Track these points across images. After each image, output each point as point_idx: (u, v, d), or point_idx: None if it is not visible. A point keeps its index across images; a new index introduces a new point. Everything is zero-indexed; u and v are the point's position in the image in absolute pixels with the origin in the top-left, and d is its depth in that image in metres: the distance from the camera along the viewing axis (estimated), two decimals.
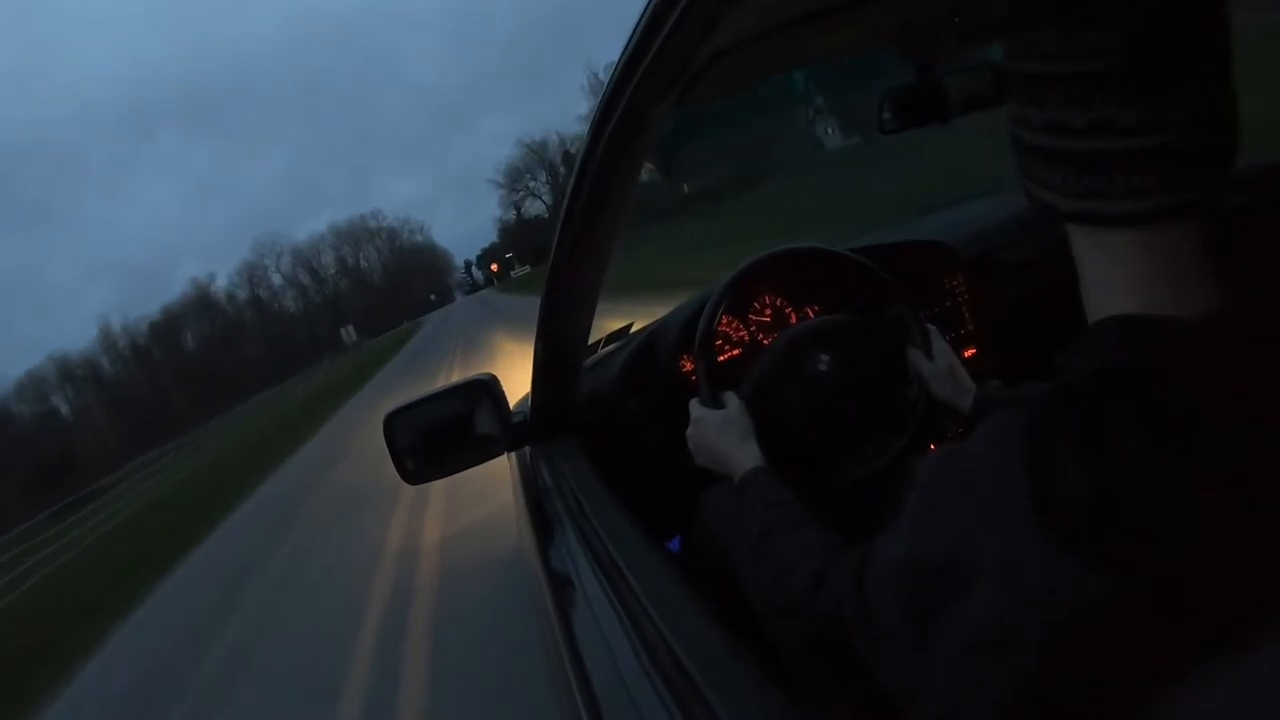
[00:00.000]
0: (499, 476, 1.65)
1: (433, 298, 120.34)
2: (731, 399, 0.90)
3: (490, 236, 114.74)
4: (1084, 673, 0.33)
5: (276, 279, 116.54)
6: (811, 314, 1.23)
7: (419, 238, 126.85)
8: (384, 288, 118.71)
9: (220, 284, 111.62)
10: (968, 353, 1.27)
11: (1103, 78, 0.37)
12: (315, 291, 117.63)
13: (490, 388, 1.10)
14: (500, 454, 1.15)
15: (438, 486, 4.67)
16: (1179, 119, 0.38)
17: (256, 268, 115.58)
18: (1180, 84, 0.38)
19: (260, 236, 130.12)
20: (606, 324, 1.56)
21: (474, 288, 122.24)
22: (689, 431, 0.91)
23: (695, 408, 0.92)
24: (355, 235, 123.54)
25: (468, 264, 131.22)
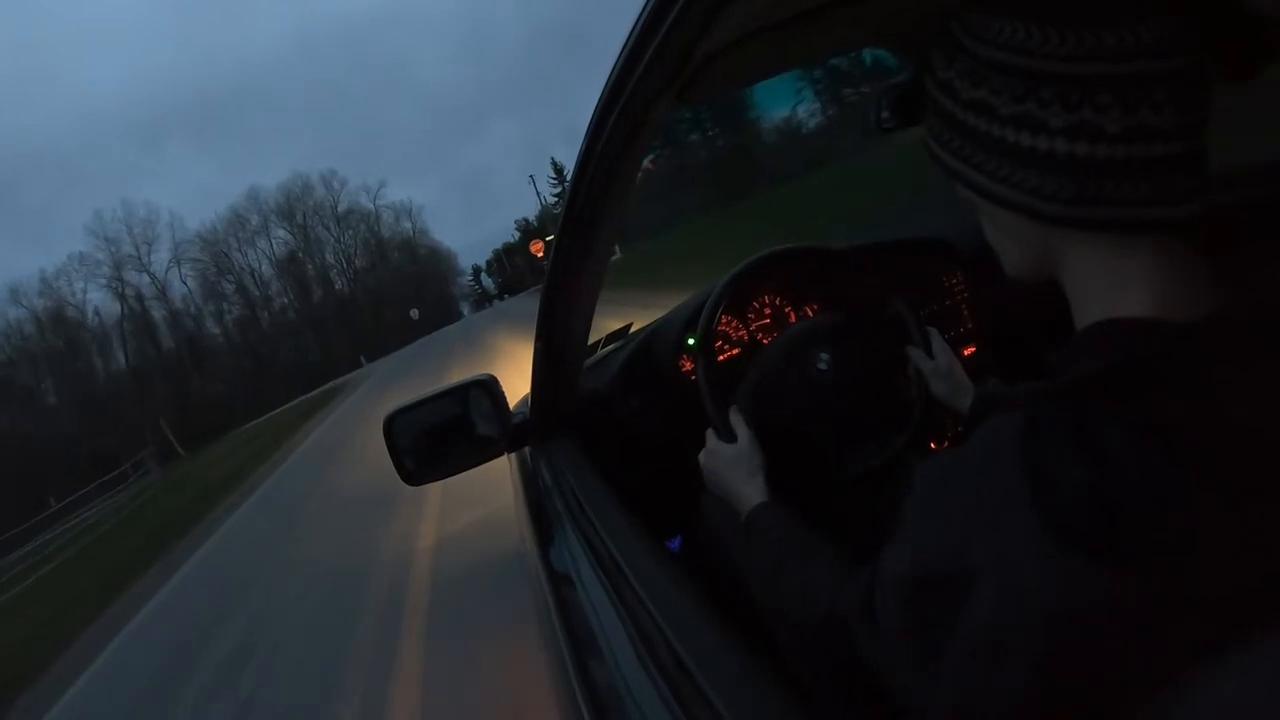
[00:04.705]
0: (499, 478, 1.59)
1: (414, 314, 66.73)
2: (742, 429, 0.89)
3: (506, 236, 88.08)
4: (1086, 673, 0.33)
5: (159, 283, 62.77)
6: (811, 313, 1.23)
7: (407, 225, 78.71)
8: (345, 300, 70.96)
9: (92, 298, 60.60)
10: (967, 351, 1.27)
11: (1152, 80, 0.37)
12: (234, 306, 66.32)
13: (490, 388, 1.10)
14: (500, 454, 1.15)
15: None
16: (1203, 123, 0.38)
17: (95, 264, 60.63)
18: (1208, 86, 0.38)
19: (108, 209, 74.41)
20: (606, 324, 1.56)
21: (483, 298, 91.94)
22: (703, 460, 0.91)
23: (710, 438, 0.91)
24: (296, 211, 71.03)
25: (476, 270, 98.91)
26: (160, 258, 64.75)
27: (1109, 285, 0.40)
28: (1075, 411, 0.35)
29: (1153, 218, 0.38)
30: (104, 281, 61.21)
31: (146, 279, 63.37)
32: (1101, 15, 0.37)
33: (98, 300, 61.80)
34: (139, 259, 63.11)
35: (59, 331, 57.30)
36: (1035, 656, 0.34)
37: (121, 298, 61.15)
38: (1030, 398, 0.38)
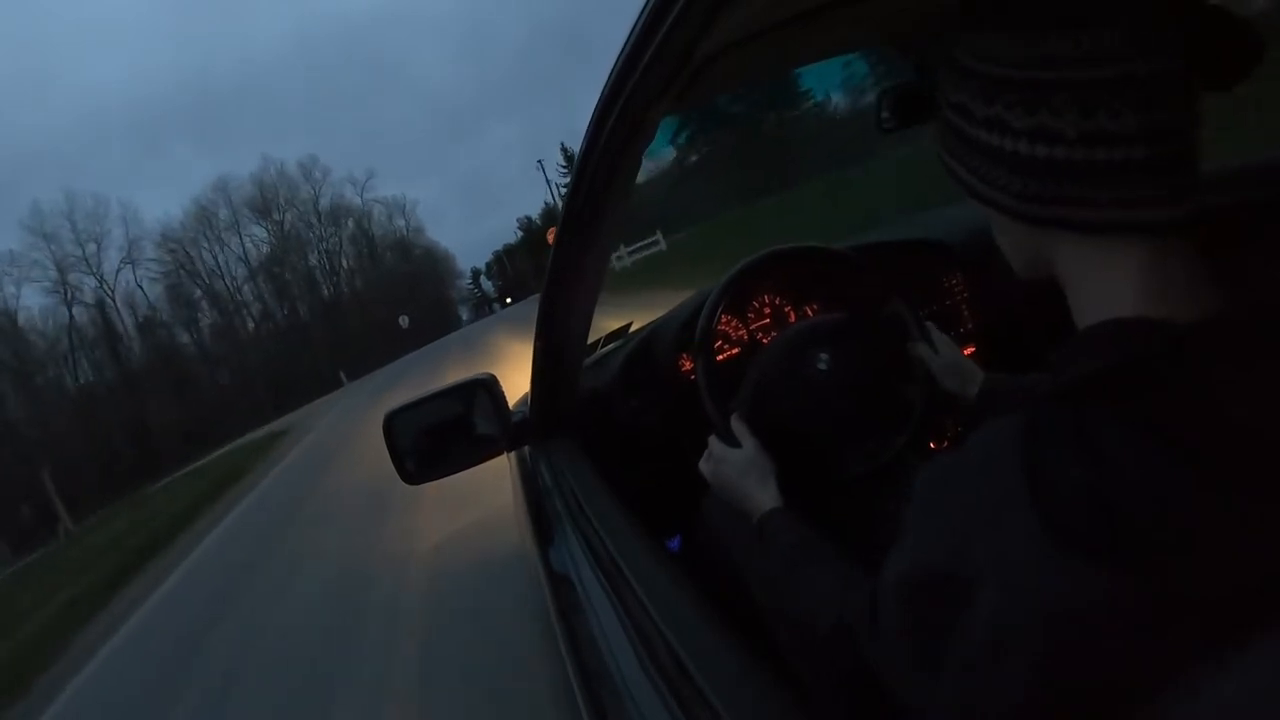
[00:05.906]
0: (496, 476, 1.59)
1: (404, 322, 56.47)
2: (746, 436, 0.89)
3: (507, 237, 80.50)
4: (1086, 673, 0.33)
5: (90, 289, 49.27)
6: (811, 313, 1.23)
7: (401, 223, 67.99)
8: (329, 304, 60.24)
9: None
10: (966, 351, 1.27)
11: (1107, 85, 0.37)
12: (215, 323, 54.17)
13: (490, 387, 1.10)
14: (500, 453, 1.15)
15: None
16: (1177, 127, 0.38)
17: (29, 265, 47.58)
18: (1180, 90, 0.38)
19: (47, 200, 62.40)
20: (606, 323, 1.56)
21: (483, 302, 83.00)
22: (708, 468, 0.90)
23: (715, 444, 0.91)
24: (271, 206, 59.53)
25: (476, 273, 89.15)
26: (112, 258, 52.55)
27: (1103, 285, 0.40)
28: (1075, 412, 0.35)
29: (1119, 220, 0.39)
30: (49, 285, 48.57)
31: (93, 282, 50.59)
32: (1065, 22, 0.38)
33: (36, 308, 50.65)
34: (85, 260, 50.38)
35: None
36: (1035, 657, 0.34)
37: (68, 304, 49.05)
38: (1030, 398, 0.38)
